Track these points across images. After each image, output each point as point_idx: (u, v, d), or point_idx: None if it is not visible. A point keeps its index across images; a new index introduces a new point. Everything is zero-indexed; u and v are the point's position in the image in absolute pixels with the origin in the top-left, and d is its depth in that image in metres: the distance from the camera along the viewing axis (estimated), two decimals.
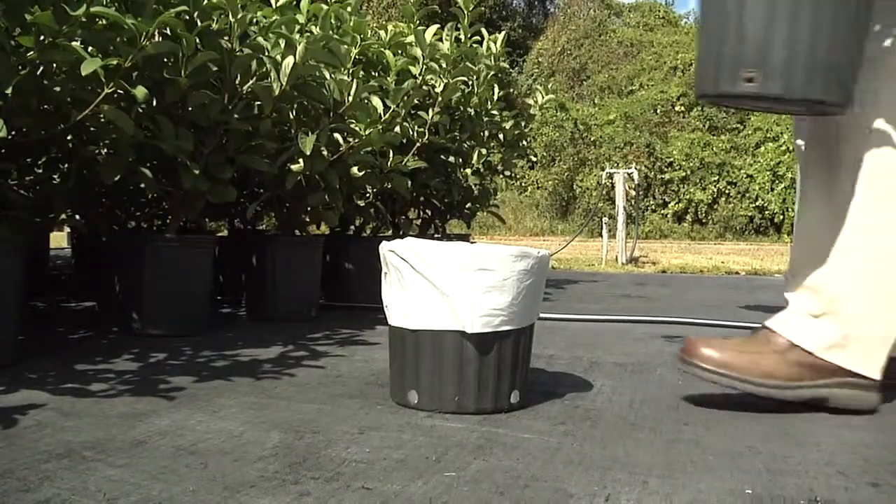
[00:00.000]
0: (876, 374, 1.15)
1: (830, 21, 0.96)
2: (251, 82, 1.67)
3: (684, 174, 11.54)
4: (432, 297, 1.06)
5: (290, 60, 1.64)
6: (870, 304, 1.13)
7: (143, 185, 1.71)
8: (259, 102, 1.72)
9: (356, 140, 1.91)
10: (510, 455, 0.91)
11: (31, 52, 1.29)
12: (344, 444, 0.93)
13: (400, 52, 2.19)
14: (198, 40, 1.52)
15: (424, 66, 2.11)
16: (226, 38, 1.58)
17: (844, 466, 0.91)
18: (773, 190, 11.00)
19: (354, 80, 1.84)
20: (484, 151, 2.72)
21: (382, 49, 2.12)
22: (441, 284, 1.05)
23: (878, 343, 1.14)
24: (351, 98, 1.83)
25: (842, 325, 1.13)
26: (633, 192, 5.98)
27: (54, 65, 1.42)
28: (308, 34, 1.71)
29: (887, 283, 1.13)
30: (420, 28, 2.16)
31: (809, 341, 1.14)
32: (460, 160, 2.64)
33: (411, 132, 2.20)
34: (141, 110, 1.58)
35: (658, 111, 12.48)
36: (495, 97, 2.76)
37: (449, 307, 1.05)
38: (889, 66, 1.11)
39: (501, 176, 3.18)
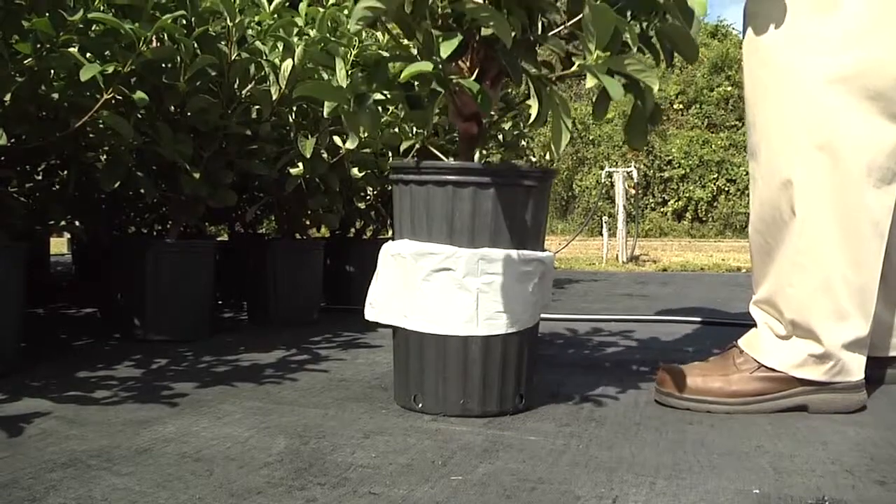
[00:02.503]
0: (856, 377, 1.14)
1: None
2: (250, 86, 1.67)
3: (683, 172, 11.55)
4: (437, 299, 1.06)
5: (288, 64, 1.64)
6: (832, 317, 1.11)
7: (142, 191, 1.71)
8: (258, 106, 1.71)
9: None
10: (516, 457, 0.90)
11: (29, 59, 1.29)
12: (349, 448, 0.93)
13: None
14: (196, 45, 1.52)
15: None
16: (224, 42, 1.58)
17: (851, 465, 0.90)
18: None
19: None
20: (483, 152, 2.71)
21: (380, 51, 2.11)
22: (446, 286, 1.05)
23: (853, 347, 1.13)
24: None
25: (808, 344, 1.13)
26: (633, 191, 5.98)
27: (52, 71, 1.42)
28: (306, 37, 1.70)
29: (842, 291, 1.11)
30: None
31: (780, 363, 1.14)
32: None
33: (410, 133, 2.20)
34: (140, 116, 1.57)
35: None
36: None
37: (454, 309, 1.05)
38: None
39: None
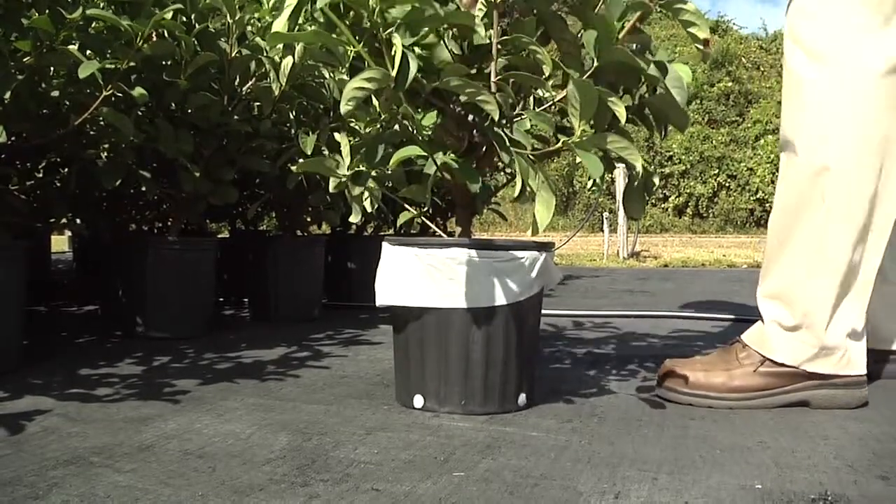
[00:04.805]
0: (861, 370, 1.14)
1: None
2: (250, 83, 1.67)
3: (684, 168, 11.54)
4: (440, 278, 1.06)
5: (288, 61, 1.64)
6: (844, 307, 1.12)
7: (143, 188, 1.70)
8: (259, 103, 1.71)
9: (356, 139, 1.91)
10: (518, 454, 0.90)
11: (29, 57, 1.29)
12: (352, 445, 0.93)
13: None
14: (196, 42, 1.51)
15: None
16: (224, 39, 1.58)
17: (853, 460, 0.90)
18: (773, 182, 10.99)
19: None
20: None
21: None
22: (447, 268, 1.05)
23: (857, 337, 1.14)
24: None
25: (818, 336, 1.13)
26: None
27: (52, 69, 1.42)
28: None
29: (855, 281, 1.12)
30: None
31: (789, 357, 1.14)
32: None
33: (410, 130, 2.20)
34: (140, 113, 1.57)
35: None
36: None
37: (454, 287, 1.05)
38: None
39: (502, 173, 3.18)
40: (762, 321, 1.19)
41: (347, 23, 0.94)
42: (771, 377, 1.14)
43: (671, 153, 11.56)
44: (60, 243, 5.14)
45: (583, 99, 0.92)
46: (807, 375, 1.14)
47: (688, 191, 11.48)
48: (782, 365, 1.14)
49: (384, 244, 1.13)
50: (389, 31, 0.91)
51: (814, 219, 1.12)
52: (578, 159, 0.99)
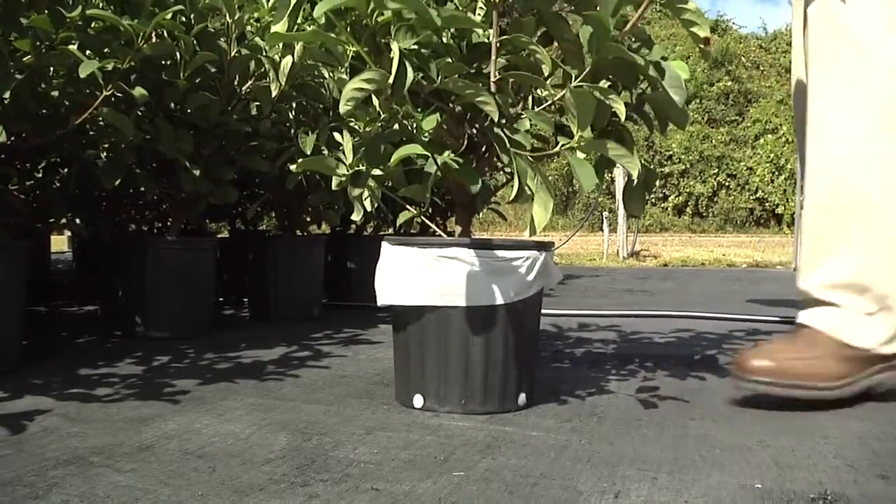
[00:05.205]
0: None
1: None
2: (250, 83, 1.66)
3: (684, 167, 11.55)
4: (444, 277, 1.06)
5: (288, 60, 1.64)
6: None
7: (143, 188, 1.70)
8: (258, 103, 1.71)
9: (356, 139, 1.91)
10: (518, 453, 0.90)
11: (29, 57, 1.29)
12: (352, 444, 0.93)
13: None
14: (195, 42, 1.51)
15: None
16: (223, 39, 1.58)
17: (853, 459, 0.90)
18: (773, 182, 11.01)
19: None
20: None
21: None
22: (451, 266, 1.05)
23: None
24: None
25: (894, 317, 1.14)
26: None
27: (52, 68, 1.42)
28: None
29: None
30: None
31: (867, 340, 1.14)
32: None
33: (410, 129, 2.20)
34: (140, 113, 1.57)
35: None
36: None
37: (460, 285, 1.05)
38: None
39: (501, 172, 3.18)
40: (829, 307, 1.17)
41: (347, 22, 0.94)
42: (847, 363, 1.14)
43: (671, 152, 11.56)
44: (60, 243, 5.14)
45: (580, 106, 0.92)
46: (878, 359, 1.14)
47: (687, 190, 11.49)
48: (857, 350, 1.14)
49: (384, 244, 1.13)
50: (388, 36, 0.91)
51: (878, 207, 1.12)
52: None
